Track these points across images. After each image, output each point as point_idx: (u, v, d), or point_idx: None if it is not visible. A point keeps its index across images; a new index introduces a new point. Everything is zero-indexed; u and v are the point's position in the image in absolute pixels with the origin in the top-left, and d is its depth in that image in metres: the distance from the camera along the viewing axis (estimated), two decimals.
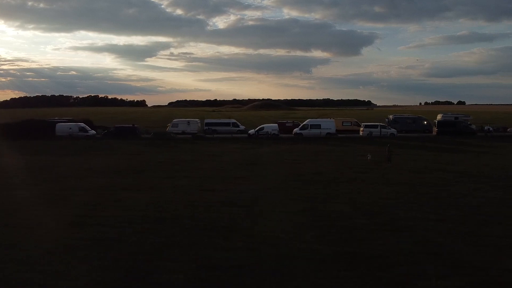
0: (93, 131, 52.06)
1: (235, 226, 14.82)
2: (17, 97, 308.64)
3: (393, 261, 11.52)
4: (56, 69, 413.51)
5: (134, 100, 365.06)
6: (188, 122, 56.34)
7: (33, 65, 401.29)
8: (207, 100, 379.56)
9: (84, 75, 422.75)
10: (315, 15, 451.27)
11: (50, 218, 15.99)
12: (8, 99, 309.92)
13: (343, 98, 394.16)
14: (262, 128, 51.11)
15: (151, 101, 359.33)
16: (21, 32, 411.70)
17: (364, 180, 23.52)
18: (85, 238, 13.57)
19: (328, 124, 51.13)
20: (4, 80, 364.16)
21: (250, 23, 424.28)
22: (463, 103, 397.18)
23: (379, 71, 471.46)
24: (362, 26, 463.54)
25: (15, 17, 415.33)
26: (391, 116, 56.71)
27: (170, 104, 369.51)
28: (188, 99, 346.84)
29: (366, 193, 20.13)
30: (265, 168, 28.29)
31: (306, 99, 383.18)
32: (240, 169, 27.57)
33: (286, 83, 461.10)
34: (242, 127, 56.24)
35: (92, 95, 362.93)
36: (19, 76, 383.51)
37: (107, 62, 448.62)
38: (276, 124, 53.18)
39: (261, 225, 15.02)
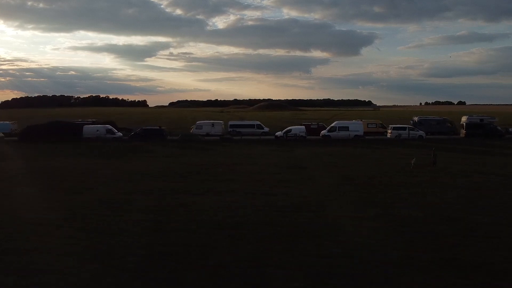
0: (120, 133, 52.03)
1: (317, 232, 14.69)
2: (18, 97, 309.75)
3: (505, 268, 11.37)
4: (55, 69, 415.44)
5: (135, 100, 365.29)
6: (213, 124, 56.26)
7: (33, 65, 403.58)
8: (208, 100, 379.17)
9: (83, 75, 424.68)
10: (315, 15, 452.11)
11: (125, 223, 15.94)
12: (10, 99, 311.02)
13: (343, 98, 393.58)
14: (290, 130, 50.94)
15: (151, 101, 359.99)
16: (20, 32, 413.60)
17: (419, 184, 23.34)
18: (174, 244, 13.50)
19: (356, 126, 50.95)
20: (3, 80, 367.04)
21: (250, 23, 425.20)
22: (464, 103, 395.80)
23: (378, 71, 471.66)
24: (362, 26, 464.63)
25: (14, 17, 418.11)
26: (416, 118, 56.40)
27: (171, 104, 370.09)
28: (188, 99, 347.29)
29: (430, 197, 19.98)
30: (311, 171, 28.14)
31: (307, 99, 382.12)
32: (286, 172, 27.44)
33: (286, 83, 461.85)
34: (266, 129, 56.08)
35: (94, 95, 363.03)
36: (18, 76, 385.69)
37: (107, 62, 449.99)
38: (304, 126, 52.98)
39: (342, 230, 14.90)
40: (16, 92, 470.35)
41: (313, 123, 58.24)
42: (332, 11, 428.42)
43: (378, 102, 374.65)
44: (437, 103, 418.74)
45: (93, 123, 55.90)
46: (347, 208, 17.98)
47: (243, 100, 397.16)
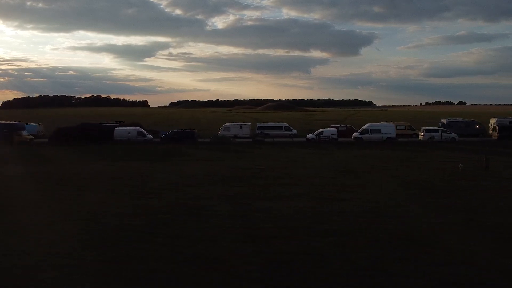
0: (150, 136, 51.90)
1: (419, 239, 14.48)
2: (19, 97, 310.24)
3: None
4: (54, 69, 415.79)
5: (136, 101, 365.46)
6: (241, 126, 56.16)
7: (32, 65, 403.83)
8: (209, 100, 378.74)
9: (82, 75, 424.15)
10: (314, 15, 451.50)
11: (215, 230, 15.77)
12: (11, 99, 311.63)
13: (344, 98, 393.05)
14: (322, 133, 50.79)
15: (151, 101, 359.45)
16: (19, 32, 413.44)
17: (488, 189, 23.05)
18: (282, 252, 13.30)
19: (389, 129, 50.72)
20: (2, 80, 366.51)
21: (249, 23, 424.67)
22: (464, 103, 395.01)
23: (378, 71, 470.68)
24: (361, 26, 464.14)
25: (13, 17, 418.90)
26: (444, 120, 56.14)
27: (172, 104, 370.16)
28: (189, 100, 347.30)
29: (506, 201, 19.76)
30: (366, 175, 27.93)
31: (307, 99, 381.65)
32: (341, 176, 27.25)
33: (285, 83, 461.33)
34: (294, 131, 55.88)
35: (95, 95, 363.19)
36: (17, 76, 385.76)
37: (106, 62, 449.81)
38: (335, 129, 52.83)
39: (444, 237, 14.68)
40: (15, 92, 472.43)
41: (341, 125, 58.00)
42: (332, 11, 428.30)
43: (377, 102, 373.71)
44: (437, 103, 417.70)
45: (121, 125, 55.74)
46: (432, 214, 17.74)
47: (244, 100, 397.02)
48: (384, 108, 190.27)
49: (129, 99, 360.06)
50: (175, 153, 40.10)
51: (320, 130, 52.63)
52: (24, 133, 52.85)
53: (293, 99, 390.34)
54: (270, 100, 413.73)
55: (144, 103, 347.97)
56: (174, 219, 17.27)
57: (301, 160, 34.79)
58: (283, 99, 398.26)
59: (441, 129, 50.84)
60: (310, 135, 51.76)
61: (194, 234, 15.31)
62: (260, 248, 13.65)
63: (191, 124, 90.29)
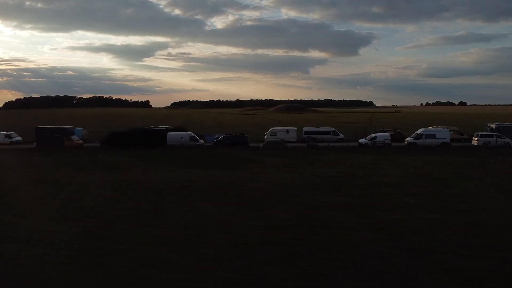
0: (202, 141, 51.36)
1: None
2: (21, 98, 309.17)
3: None
4: (53, 69, 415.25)
5: (138, 101, 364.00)
6: (287, 131, 55.75)
7: (30, 65, 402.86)
8: (210, 101, 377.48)
9: (81, 75, 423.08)
10: (313, 15, 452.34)
11: (371, 244, 15.65)
12: (13, 99, 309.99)
13: (344, 99, 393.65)
14: (375, 138, 50.54)
15: (151, 102, 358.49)
16: (18, 32, 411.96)
17: None
18: (475, 269, 13.18)
19: (443, 134, 50.48)
20: (1, 80, 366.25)
21: (248, 23, 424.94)
22: (464, 103, 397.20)
23: (376, 71, 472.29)
24: (360, 27, 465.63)
25: (12, 17, 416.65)
26: (493, 125, 55.62)
27: (174, 105, 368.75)
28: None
29: None
30: (457, 183, 27.65)
31: (308, 100, 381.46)
32: (434, 185, 26.91)
33: (284, 83, 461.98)
34: (341, 136, 55.54)
35: (97, 95, 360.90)
36: (16, 76, 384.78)
37: (105, 62, 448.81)
38: (388, 134, 52.53)
39: None
40: (13, 92, 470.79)
41: (389, 129, 57.63)
42: (331, 11, 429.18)
43: (376, 103, 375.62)
44: (438, 103, 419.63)
45: (168, 130, 54.98)
46: None
47: (245, 100, 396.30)
48: (397, 110, 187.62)
49: (131, 100, 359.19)
50: (242, 160, 39.81)
51: (373, 134, 52.31)
52: (74, 137, 52.15)
53: (295, 99, 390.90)
54: (272, 101, 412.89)
55: (146, 104, 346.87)
56: (316, 232, 17.10)
57: (374, 167, 34.46)
58: (285, 99, 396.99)
59: (495, 134, 50.61)
60: (362, 140, 51.48)
61: (354, 248, 15.13)
62: (438, 264, 13.54)
63: (216, 126, 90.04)
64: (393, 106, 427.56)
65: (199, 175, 31.16)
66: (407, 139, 51.32)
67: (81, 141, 52.69)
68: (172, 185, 27.84)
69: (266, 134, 56.07)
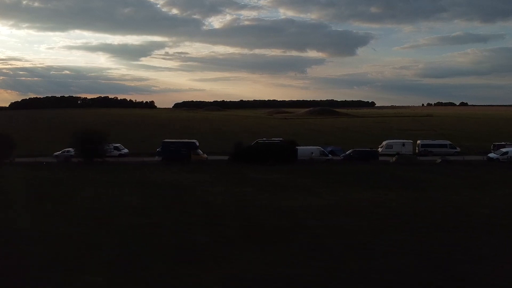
0: (330, 155, 51.12)
1: None
2: (27, 98, 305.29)
3: None
4: (49, 68, 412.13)
5: (143, 101, 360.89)
6: (403, 144, 56.10)
7: (27, 64, 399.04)
8: (214, 101, 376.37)
9: (77, 74, 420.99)
10: (311, 15, 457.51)
11: None
12: (19, 100, 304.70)
13: (346, 99, 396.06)
14: (507, 152, 50.65)
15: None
16: (15, 31, 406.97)
17: None
18: None
19: None
20: None
21: (246, 23, 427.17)
22: (465, 104, 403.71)
23: (373, 71, 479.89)
24: (358, 27, 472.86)
25: (9, 16, 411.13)
26: None
27: (177, 105, 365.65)
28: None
29: None
30: None
31: (310, 100, 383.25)
32: None
33: (281, 83, 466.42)
34: (458, 149, 55.79)
35: (102, 95, 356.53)
36: (12, 76, 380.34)
37: (101, 61, 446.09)
38: None
39: None
40: (9, 91, 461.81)
41: (507, 142, 57.10)
42: (329, 12, 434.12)
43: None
44: (438, 104, 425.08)
45: (281, 142, 54.51)
46: None
47: (248, 101, 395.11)
48: (429, 114, 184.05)
49: (135, 100, 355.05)
50: (410, 178, 39.54)
51: (505, 149, 51.52)
52: (199, 151, 51.49)
53: (297, 100, 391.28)
54: (274, 101, 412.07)
55: (151, 104, 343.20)
56: None
57: None
58: (287, 99, 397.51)
59: None
60: (492, 154, 51.52)
61: None
62: None
63: (274, 134, 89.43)
64: (392, 107, 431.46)
65: (410, 198, 30.65)
66: None
67: (205, 156, 52.11)
68: (393, 210, 27.34)
69: (381, 147, 56.22)
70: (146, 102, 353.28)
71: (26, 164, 49.33)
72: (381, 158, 51.15)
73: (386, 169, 44.90)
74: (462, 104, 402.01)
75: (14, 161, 50.92)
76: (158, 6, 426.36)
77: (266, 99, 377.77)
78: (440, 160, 49.76)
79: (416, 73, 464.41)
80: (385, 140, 59.80)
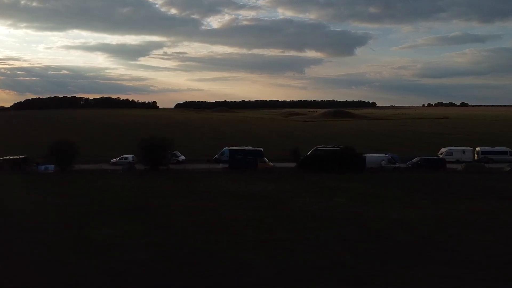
0: (397, 163, 51.20)
1: None
2: (29, 99, 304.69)
3: None
4: (47, 68, 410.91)
5: (145, 102, 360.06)
6: (463, 151, 56.51)
7: (25, 64, 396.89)
8: (216, 102, 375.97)
9: (76, 74, 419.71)
10: (310, 15, 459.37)
11: None
12: (22, 100, 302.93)
13: (347, 100, 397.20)
14: None
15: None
16: (13, 31, 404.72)
17: None
18: None
19: None
20: None
21: (245, 23, 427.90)
22: (466, 104, 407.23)
23: (371, 71, 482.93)
24: (357, 27, 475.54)
25: (7, 16, 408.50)
26: None
27: (178, 105, 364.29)
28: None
29: None
30: None
31: (310, 100, 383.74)
32: None
33: (280, 83, 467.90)
34: None
35: (105, 96, 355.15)
36: (9, 75, 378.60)
37: (100, 61, 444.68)
38: None
39: None
40: (7, 91, 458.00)
41: None
42: (327, 12, 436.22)
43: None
44: (439, 104, 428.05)
45: (341, 149, 54.52)
46: None
47: (249, 101, 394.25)
48: (444, 116, 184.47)
49: (137, 100, 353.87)
50: (493, 188, 39.79)
51: None
52: (265, 159, 51.51)
53: (299, 100, 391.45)
54: (276, 101, 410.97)
55: (153, 105, 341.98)
56: None
57: None
58: (288, 100, 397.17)
59: None
60: None
61: None
62: None
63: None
64: (391, 107, 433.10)
65: (464, 208, 31.58)
66: None
67: (272, 164, 52.14)
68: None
69: (441, 154, 56.47)
70: (148, 102, 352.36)
71: (88, 172, 49.02)
72: None
73: (463, 178, 45.01)
74: (463, 104, 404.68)
75: (73, 169, 50.58)
76: (157, 6, 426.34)
77: (267, 100, 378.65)
78: (509, 168, 49.65)
79: (414, 73, 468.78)
80: (443, 147, 59.87)
